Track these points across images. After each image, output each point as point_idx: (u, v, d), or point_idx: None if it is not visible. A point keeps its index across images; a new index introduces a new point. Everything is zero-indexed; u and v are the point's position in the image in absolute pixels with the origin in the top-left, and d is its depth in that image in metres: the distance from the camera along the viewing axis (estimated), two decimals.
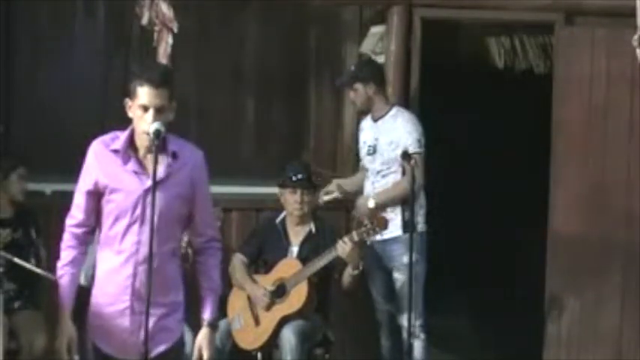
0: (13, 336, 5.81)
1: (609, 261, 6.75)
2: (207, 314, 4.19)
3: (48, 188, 6.53)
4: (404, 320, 6.05)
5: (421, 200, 6.12)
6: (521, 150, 8.92)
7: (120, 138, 4.12)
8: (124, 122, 4.20)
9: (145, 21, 6.20)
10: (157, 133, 3.97)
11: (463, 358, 7.49)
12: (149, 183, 4.05)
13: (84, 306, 4.22)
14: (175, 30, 6.18)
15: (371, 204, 6.05)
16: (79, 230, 4.17)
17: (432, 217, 6.23)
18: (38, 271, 5.56)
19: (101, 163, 4.10)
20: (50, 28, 6.84)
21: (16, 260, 5.50)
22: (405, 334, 6.05)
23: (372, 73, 6.29)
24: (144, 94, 4.02)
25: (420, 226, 6.09)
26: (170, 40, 6.18)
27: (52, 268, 5.65)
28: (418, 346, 6.08)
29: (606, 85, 6.74)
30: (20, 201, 6.09)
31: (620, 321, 6.77)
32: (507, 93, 8.53)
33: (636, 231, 6.69)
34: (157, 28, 6.19)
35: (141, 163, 4.09)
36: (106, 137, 4.16)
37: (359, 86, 6.22)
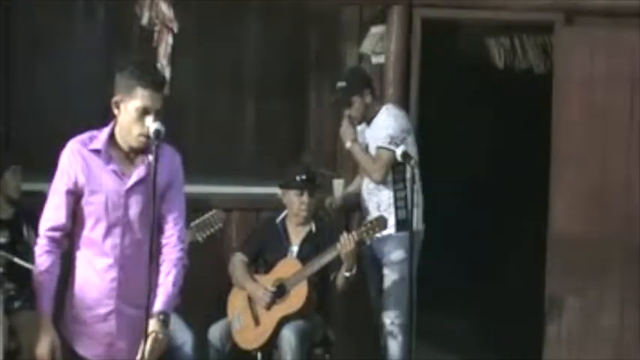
0: (13, 336, 5.80)
1: (609, 261, 6.75)
2: (156, 306, 4.00)
3: (47, 188, 6.50)
4: (386, 318, 6.05)
5: (417, 199, 5.99)
6: (521, 150, 8.91)
7: (99, 138, 4.04)
8: None
9: (144, 21, 6.21)
10: (157, 133, 3.92)
11: (463, 358, 7.49)
12: (130, 183, 4.00)
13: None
14: (175, 30, 6.18)
15: (348, 145, 6.14)
16: (57, 234, 4.08)
17: (431, 215, 6.23)
18: None
19: (80, 162, 4.03)
20: (50, 28, 6.83)
21: (16, 260, 5.49)
22: (384, 333, 6.09)
23: (364, 81, 6.19)
24: (146, 96, 3.95)
25: (415, 224, 5.97)
26: (170, 40, 6.18)
27: None
28: (395, 346, 6.05)
29: (606, 85, 6.74)
30: (16, 199, 6.07)
31: (620, 321, 6.77)
32: (507, 93, 8.53)
33: (636, 231, 6.69)
34: (157, 28, 6.20)
35: (121, 164, 4.02)
36: (84, 136, 4.08)
37: (356, 99, 6.11)
